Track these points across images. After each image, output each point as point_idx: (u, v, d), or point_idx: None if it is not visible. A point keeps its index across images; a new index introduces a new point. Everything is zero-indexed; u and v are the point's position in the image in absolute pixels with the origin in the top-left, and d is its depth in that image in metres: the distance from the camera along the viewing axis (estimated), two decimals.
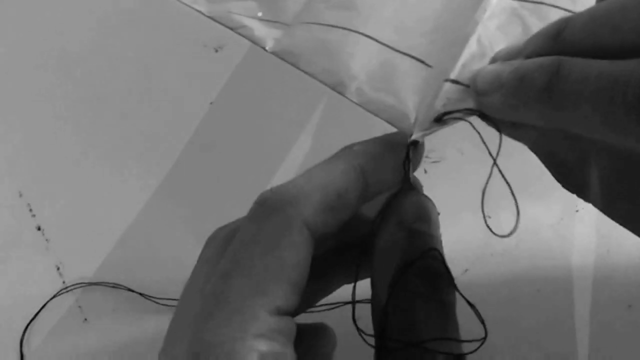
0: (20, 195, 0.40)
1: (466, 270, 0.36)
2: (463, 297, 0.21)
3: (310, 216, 0.20)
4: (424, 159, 0.39)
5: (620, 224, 0.22)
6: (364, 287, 0.22)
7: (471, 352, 0.20)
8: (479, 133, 0.21)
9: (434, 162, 0.38)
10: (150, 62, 0.43)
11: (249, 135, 0.41)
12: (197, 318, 0.19)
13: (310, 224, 0.20)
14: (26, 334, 0.36)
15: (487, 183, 0.21)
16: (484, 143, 0.21)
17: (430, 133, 0.23)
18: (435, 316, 0.21)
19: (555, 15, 0.25)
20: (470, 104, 0.22)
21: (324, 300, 0.27)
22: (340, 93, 0.24)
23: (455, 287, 0.21)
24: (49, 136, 0.42)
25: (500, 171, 0.20)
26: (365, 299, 0.22)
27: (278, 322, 0.19)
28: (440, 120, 0.22)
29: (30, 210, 0.39)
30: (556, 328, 0.35)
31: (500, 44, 0.24)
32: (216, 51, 0.43)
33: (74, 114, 0.42)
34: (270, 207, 0.21)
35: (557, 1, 0.25)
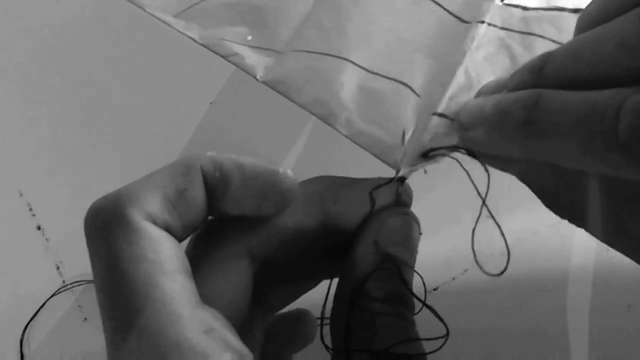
0: (20, 195, 0.40)
1: (466, 270, 0.36)
2: (421, 301, 0.22)
3: (152, 210, 0.19)
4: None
5: (621, 252, 0.22)
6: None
7: (437, 350, 0.21)
8: (466, 171, 0.21)
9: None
10: (151, 62, 0.43)
11: (249, 135, 0.41)
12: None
13: (156, 217, 0.19)
14: (26, 334, 0.36)
15: (476, 223, 0.21)
16: (472, 183, 0.21)
17: (417, 169, 0.23)
18: (393, 331, 0.21)
19: (541, 45, 0.25)
20: (456, 139, 0.22)
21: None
22: (330, 125, 0.24)
23: (422, 301, 0.22)
24: (49, 136, 0.42)
25: (489, 212, 0.20)
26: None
27: (203, 314, 0.18)
28: (427, 155, 0.22)
29: (30, 210, 0.39)
30: (556, 328, 0.35)
31: (487, 75, 0.24)
32: None
33: (74, 114, 0.42)
34: (107, 214, 0.19)
35: (543, 31, 0.26)
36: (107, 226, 0.19)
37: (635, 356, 0.34)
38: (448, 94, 0.23)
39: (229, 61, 0.27)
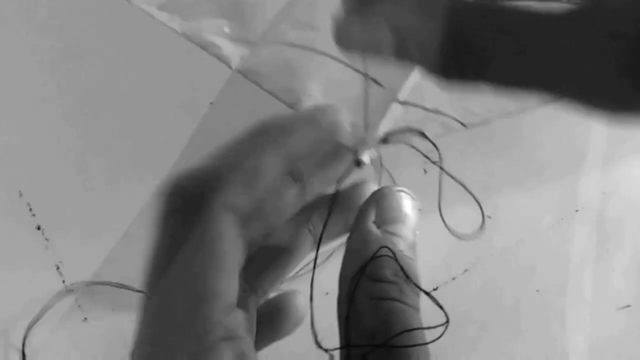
0: (20, 195, 0.40)
1: (466, 270, 0.36)
2: (420, 288, 0.21)
3: (232, 198, 0.19)
4: (423, 159, 0.39)
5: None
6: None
7: (437, 339, 0.20)
8: (422, 153, 0.23)
9: (433, 162, 0.38)
10: (151, 62, 0.43)
11: None
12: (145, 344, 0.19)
13: (236, 206, 0.19)
14: (26, 334, 0.36)
15: (440, 193, 0.21)
16: (425, 156, 0.23)
17: (376, 154, 0.23)
18: (397, 318, 0.20)
19: None
20: (413, 126, 0.23)
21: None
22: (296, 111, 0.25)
23: (419, 287, 0.21)
24: (49, 136, 0.42)
25: (451, 175, 0.21)
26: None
27: (232, 320, 0.19)
28: (386, 140, 0.23)
29: (30, 210, 0.39)
30: (556, 327, 0.35)
31: None
32: None
33: (74, 114, 0.42)
34: (190, 198, 0.19)
35: None
36: (181, 208, 0.19)
37: (634, 356, 0.34)
38: (410, 83, 0.24)
39: (207, 51, 0.28)
